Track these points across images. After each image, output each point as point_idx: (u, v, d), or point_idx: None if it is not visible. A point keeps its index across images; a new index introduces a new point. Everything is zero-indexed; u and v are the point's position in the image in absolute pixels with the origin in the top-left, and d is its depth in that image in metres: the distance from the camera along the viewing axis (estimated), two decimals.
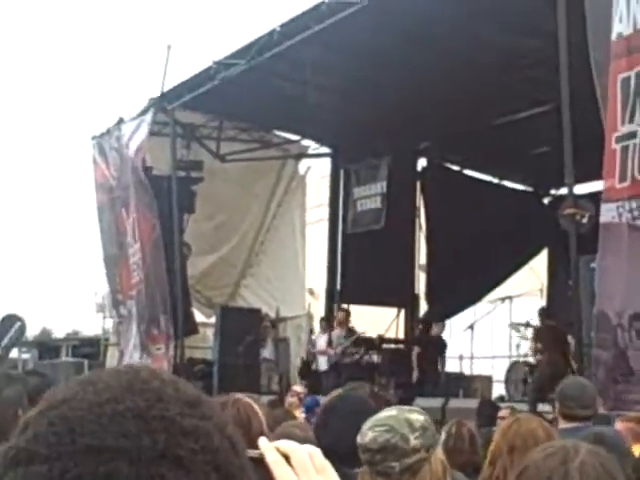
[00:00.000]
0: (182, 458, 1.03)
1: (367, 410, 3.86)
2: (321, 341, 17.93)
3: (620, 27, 9.10)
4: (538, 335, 14.42)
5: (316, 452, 1.33)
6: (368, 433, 2.97)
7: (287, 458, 1.29)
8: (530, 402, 13.18)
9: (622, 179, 8.96)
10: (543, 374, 13.35)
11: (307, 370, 17.70)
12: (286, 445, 1.31)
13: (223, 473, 1.07)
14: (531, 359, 14.94)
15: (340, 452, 3.55)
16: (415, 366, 16.83)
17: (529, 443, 3.95)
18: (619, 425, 5.91)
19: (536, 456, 2.13)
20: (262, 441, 1.30)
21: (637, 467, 4.17)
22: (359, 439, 3.00)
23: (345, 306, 18.42)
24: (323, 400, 8.38)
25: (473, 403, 12.65)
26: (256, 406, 3.57)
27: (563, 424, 5.68)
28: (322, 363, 17.60)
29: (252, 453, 1.27)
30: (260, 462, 1.27)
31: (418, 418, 3.01)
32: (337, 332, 17.69)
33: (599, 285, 9.32)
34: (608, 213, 9.08)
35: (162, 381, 1.10)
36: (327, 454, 3.39)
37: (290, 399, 12.18)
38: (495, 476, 3.97)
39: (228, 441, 1.10)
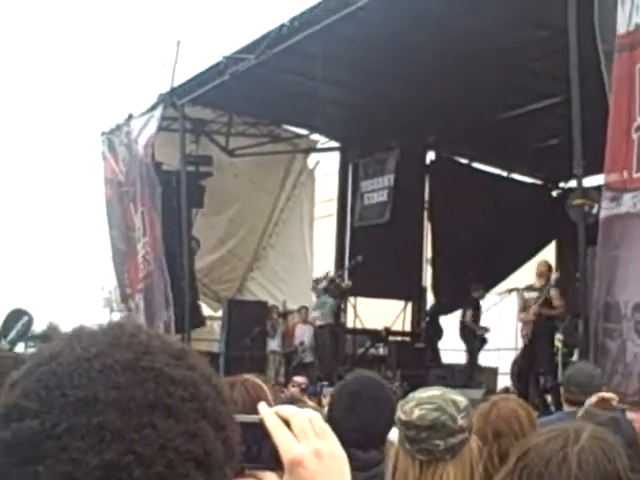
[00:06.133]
0: (172, 406, 1.05)
1: (388, 396, 3.87)
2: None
3: (636, 18, 9.06)
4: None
5: (316, 416, 1.34)
6: (415, 410, 2.95)
7: (287, 423, 1.31)
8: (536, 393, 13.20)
9: (639, 169, 8.95)
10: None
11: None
12: (286, 410, 1.33)
13: (212, 420, 1.09)
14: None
15: (365, 438, 3.58)
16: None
17: (514, 426, 3.91)
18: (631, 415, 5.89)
19: (538, 439, 2.10)
20: (262, 406, 1.33)
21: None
22: (402, 416, 2.97)
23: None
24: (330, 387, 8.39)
25: (478, 394, 12.65)
26: (265, 386, 3.57)
27: (567, 409, 5.70)
28: (307, 355, 17.71)
29: (252, 418, 1.30)
30: (260, 427, 1.30)
31: (461, 400, 3.01)
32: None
33: (612, 275, 9.28)
34: (626, 203, 9.04)
35: (148, 334, 1.12)
36: (350, 439, 3.38)
37: (292, 389, 12.16)
38: (483, 465, 3.72)
39: (214, 390, 1.13)
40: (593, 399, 4.57)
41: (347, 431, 3.45)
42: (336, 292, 17.48)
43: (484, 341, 16.97)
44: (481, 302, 17.11)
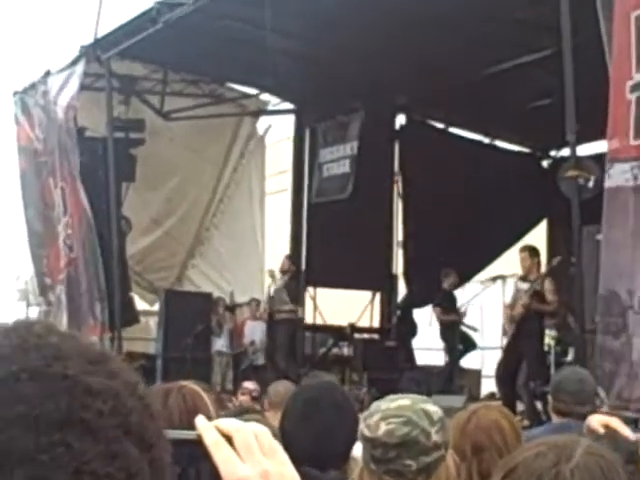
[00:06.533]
0: (88, 422, 1.03)
1: (351, 405, 3.87)
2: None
3: None
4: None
5: (263, 431, 1.32)
6: (381, 425, 2.90)
7: (230, 440, 1.29)
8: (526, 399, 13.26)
9: (638, 135, 8.90)
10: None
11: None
12: (228, 424, 1.31)
13: (137, 438, 1.08)
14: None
15: (323, 452, 3.58)
16: None
17: (495, 439, 3.92)
18: None
19: (526, 454, 2.10)
20: (199, 420, 1.31)
21: None
22: (367, 432, 2.94)
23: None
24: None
25: (459, 402, 12.69)
26: (204, 395, 3.57)
27: (556, 420, 5.75)
28: (259, 357, 17.74)
29: (188, 434, 1.29)
30: (198, 445, 1.28)
31: (435, 410, 2.97)
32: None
33: (608, 260, 9.29)
34: (620, 175, 9.03)
35: (60, 335, 1.09)
36: (306, 454, 3.37)
37: (241, 397, 12.13)
38: None
39: (140, 402, 1.11)
40: (597, 425, 4.54)
41: (302, 444, 3.48)
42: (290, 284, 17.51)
43: (472, 345, 16.92)
44: (454, 293, 17.00)
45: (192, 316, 17.44)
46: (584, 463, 2.03)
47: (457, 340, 16.41)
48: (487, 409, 4.23)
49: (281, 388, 8.07)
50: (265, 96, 20.03)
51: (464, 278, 18.33)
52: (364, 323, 19.24)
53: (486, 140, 20.11)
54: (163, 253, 20.18)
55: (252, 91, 19.72)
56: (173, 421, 3.13)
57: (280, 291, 17.45)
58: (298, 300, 17.98)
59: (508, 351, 13.68)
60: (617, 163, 9.04)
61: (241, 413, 5.15)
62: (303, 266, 19.10)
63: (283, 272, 17.63)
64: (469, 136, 20.03)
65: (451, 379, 16.31)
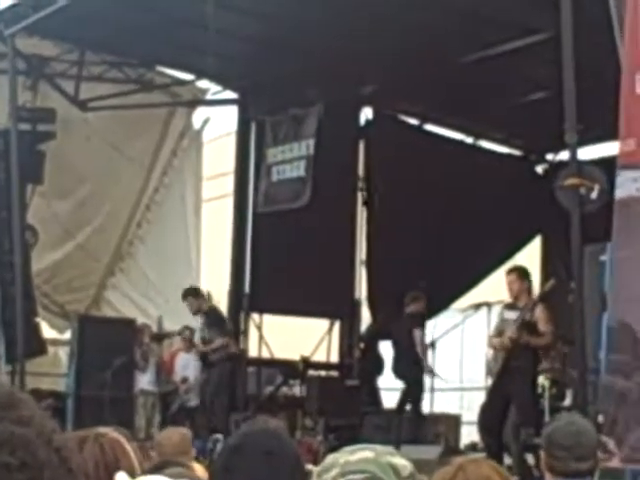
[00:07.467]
0: None
1: (287, 451, 3.83)
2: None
3: None
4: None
5: None
6: None
7: None
8: (515, 451, 13.29)
9: None
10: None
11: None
12: None
13: None
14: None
15: None
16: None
17: None
18: None
19: None
20: (120, 476, 1.30)
21: None
22: None
23: None
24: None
25: (433, 453, 12.73)
26: (127, 444, 3.55)
27: None
28: (193, 397, 17.71)
29: None
30: None
31: (404, 464, 2.87)
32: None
33: (615, 286, 9.32)
34: (627, 184, 9.09)
35: None
36: None
37: None
38: None
39: (56, 455, 1.11)
40: None
41: None
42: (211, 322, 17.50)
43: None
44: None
45: (111, 347, 17.35)
46: None
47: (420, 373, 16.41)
48: (476, 464, 4.19)
49: (176, 437, 7.97)
50: (203, 83, 20.06)
51: (442, 305, 18.41)
52: (320, 357, 19.27)
53: (469, 140, 20.31)
54: (76, 270, 20.08)
55: (187, 76, 19.74)
56: (89, 477, 3.10)
57: (203, 331, 17.40)
58: (236, 329, 17.93)
59: (493, 393, 13.72)
60: (621, 170, 9.09)
61: (163, 466, 5.10)
62: (247, 289, 19.08)
63: (196, 313, 17.57)
64: (448, 135, 20.17)
65: (420, 425, 16.31)
